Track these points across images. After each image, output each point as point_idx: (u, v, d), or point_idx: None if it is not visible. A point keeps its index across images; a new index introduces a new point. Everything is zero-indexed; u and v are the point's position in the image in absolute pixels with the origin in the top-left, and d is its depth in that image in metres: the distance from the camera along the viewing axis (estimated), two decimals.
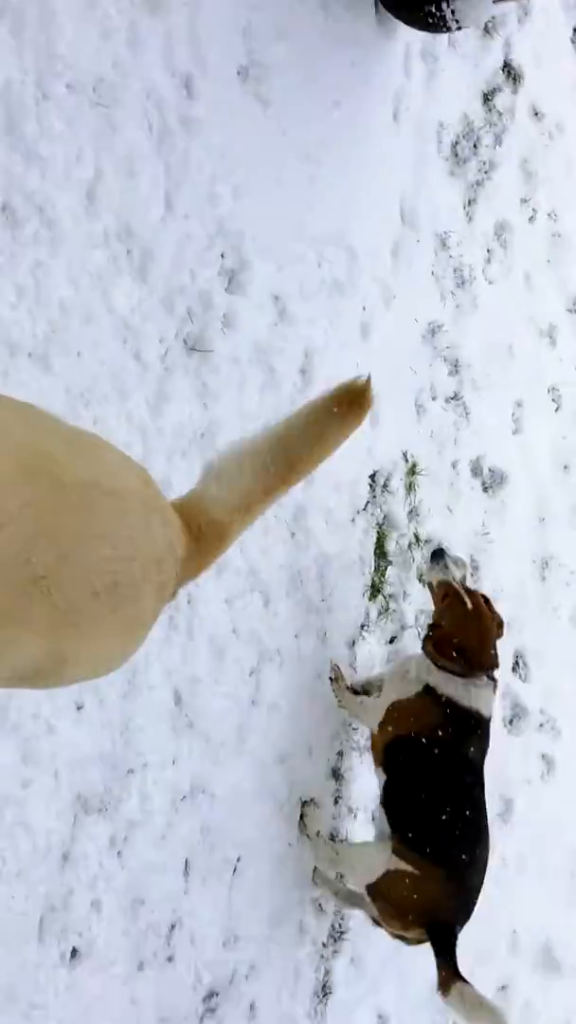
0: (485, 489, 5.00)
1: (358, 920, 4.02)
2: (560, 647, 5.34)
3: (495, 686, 3.74)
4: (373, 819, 4.05)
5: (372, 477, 4.28)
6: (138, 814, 3.29)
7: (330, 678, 3.98)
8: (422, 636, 3.88)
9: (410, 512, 4.47)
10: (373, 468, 4.28)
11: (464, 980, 3.38)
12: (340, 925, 4.10)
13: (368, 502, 4.25)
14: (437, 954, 3.45)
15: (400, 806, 3.65)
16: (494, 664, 3.72)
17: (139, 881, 3.31)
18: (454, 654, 3.64)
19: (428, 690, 3.65)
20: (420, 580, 4.41)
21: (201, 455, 3.43)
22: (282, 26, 3.81)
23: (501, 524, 5.04)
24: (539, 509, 5.35)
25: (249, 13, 3.68)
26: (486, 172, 5.04)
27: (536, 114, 5.43)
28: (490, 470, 5.02)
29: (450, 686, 3.63)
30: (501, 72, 5.16)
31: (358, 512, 4.19)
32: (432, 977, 3.45)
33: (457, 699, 3.61)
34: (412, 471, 4.49)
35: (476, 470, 4.96)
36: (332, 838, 4.02)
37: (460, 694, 3.61)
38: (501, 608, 3.91)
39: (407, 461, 4.47)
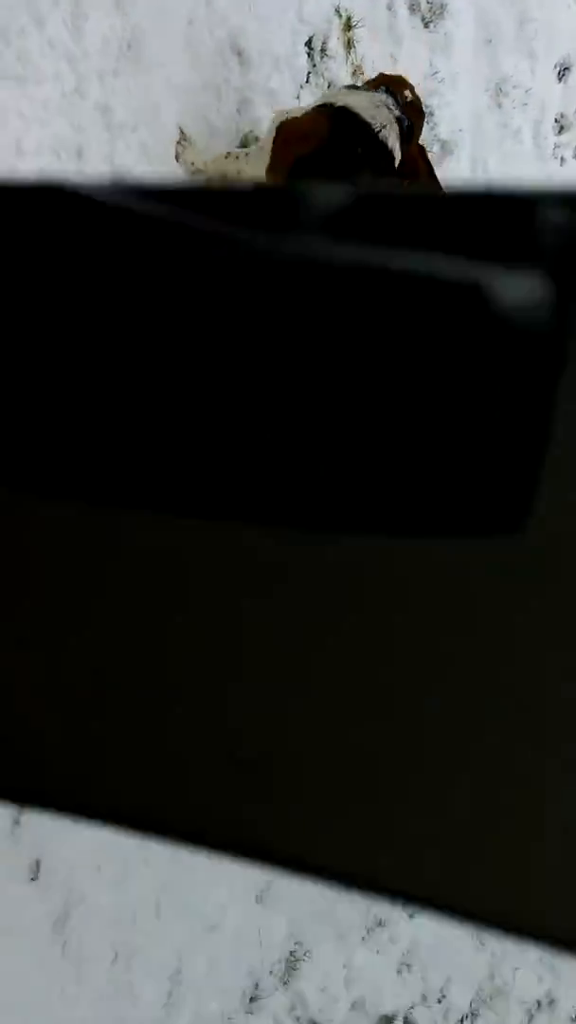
0: (426, 25, 4.82)
1: None
2: (527, 172, 5.36)
3: None
4: None
5: (308, 44, 4.15)
6: None
7: None
8: None
9: (353, 73, 4.36)
10: (307, 34, 4.14)
11: None
12: None
13: (309, 72, 4.15)
14: None
15: None
16: None
17: None
18: None
19: None
20: None
21: (132, 68, 3.36)
22: None
23: (448, 59, 4.90)
24: (484, 31, 5.17)
25: None
26: None
27: None
28: (428, 2, 4.82)
29: None
30: None
31: (301, 87, 4.11)
32: None
33: None
34: (348, 26, 4.33)
35: (414, 6, 4.75)
36: None
37: None
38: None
39: (340, 16, 4.30)
